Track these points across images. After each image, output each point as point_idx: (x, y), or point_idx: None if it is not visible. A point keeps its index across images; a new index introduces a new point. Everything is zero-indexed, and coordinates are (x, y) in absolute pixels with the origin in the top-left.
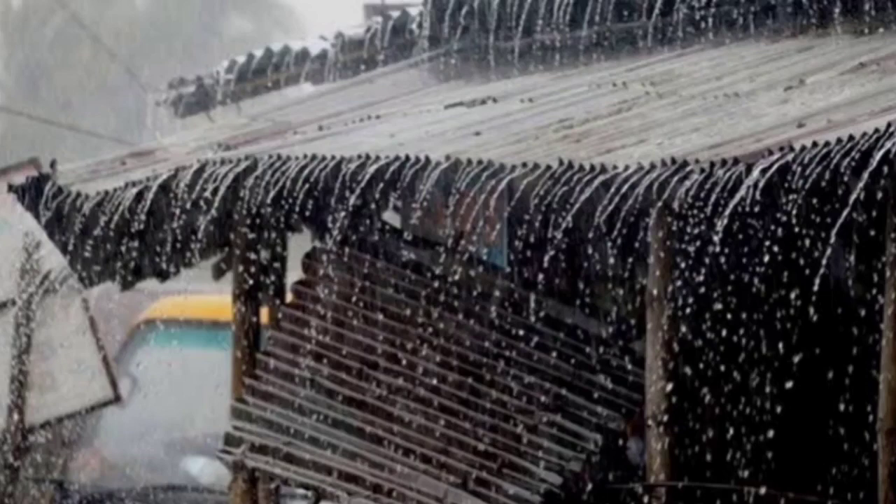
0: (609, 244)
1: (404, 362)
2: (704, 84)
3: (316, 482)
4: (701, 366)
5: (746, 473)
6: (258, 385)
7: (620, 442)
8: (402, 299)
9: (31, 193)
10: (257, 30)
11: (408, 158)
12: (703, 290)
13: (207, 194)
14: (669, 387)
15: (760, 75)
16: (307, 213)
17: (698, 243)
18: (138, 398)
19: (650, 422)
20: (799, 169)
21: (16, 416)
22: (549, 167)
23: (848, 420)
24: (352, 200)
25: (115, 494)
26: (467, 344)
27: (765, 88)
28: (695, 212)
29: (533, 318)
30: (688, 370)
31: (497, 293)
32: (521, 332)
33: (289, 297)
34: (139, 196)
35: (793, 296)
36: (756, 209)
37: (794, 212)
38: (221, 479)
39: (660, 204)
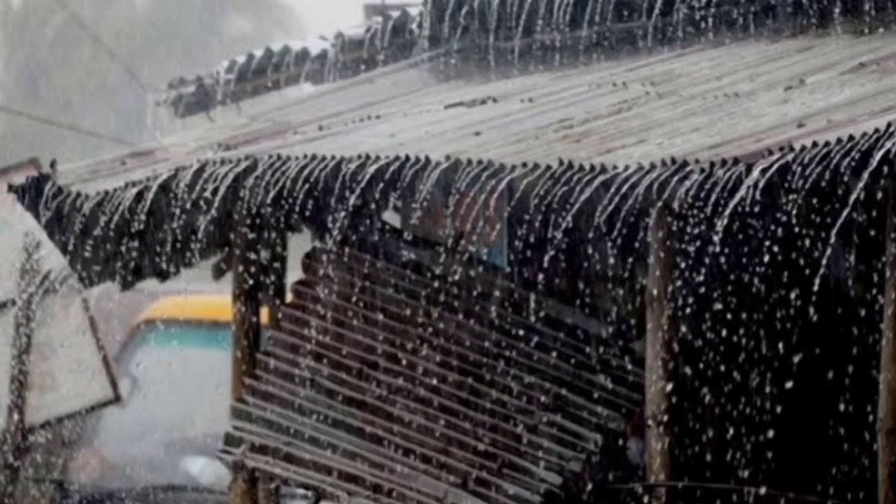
0: (609, 244)
1: (404, 362)
2: (704, 84)
3: (316, 482)
4: (701, 366)
5: (746, 473)
6: (258, 385)
7: (620, 442)
8: (402, 299)
9: (31, 193)
10: (257, 30)
11: (408, 158)
12: (703, 290)
13: (207, 194)
14: (669, 387)
15: (760, 75)
16: (307, 213)
17: (698, 243)
18: (138, 398)
19: (650, 422)
20: (799, 169)
21: (16, 416)
22: (549, 167)
23: (848, 420)
24: (352, 200)
25: (115, 494)
26: (467, 344)
27: (765, 88)
28: (695, 212)
29: (533, 318)
30: (688, 370)
31: (497, 293)
32: (521, 332)
33: (289, 297)
34: (139, 196)
35: (793, 296)
36: (756, 209)
37: (794, 212)
38: (221, 479)
39: (660, 204)
